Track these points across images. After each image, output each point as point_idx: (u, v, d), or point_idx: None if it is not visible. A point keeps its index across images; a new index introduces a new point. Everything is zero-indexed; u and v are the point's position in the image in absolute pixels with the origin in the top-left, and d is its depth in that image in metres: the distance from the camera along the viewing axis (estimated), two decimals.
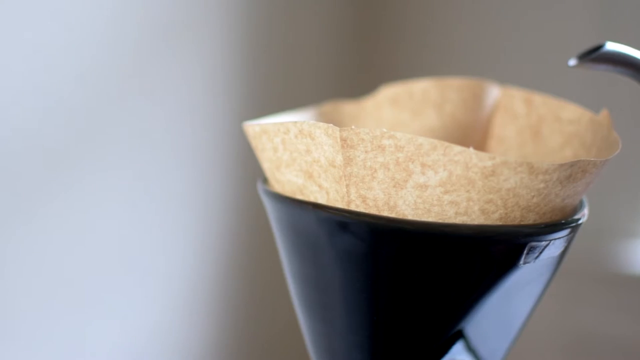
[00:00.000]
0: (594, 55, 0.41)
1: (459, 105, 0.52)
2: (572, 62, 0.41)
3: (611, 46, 0.41)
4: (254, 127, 0.43)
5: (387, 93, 0.53)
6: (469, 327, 0.43)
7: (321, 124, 0.39)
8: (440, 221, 0.39)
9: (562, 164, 0.38)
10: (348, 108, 0.54)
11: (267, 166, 0.44)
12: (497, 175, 0.38)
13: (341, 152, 0.39)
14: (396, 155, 0.38)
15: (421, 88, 0.52)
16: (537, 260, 0.41)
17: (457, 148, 0.37)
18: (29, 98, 0.74)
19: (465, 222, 0.39)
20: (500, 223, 0.39)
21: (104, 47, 0.80)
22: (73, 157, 0.79)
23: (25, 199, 0.75)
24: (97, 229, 0.82)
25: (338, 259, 0.41)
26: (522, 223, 0.40)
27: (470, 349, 0.44)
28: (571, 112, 0.48)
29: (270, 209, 0.44)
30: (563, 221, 0.41)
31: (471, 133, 0.52)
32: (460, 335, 0.43)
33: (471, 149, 0.37)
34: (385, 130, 0.38)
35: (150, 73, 0.85)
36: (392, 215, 0.39)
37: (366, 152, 0.39)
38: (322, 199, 0.41)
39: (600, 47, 0.41)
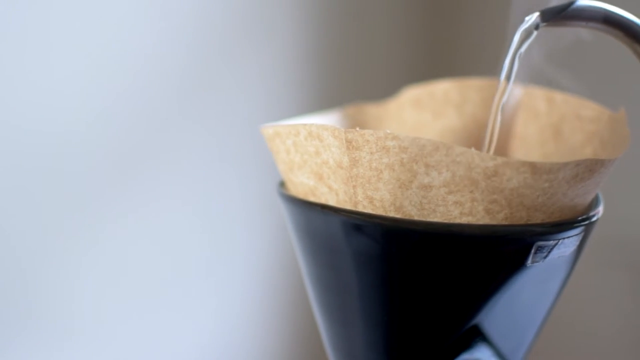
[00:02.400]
0: (567, 12, 0.41)
1: (480, 105, 0.52)
2: (543, 19, 0.41)
3: (583, 2, 0.41)
4: (268, 130, 0.44)
5: (409, 94, 0.54)
6: (484, 325, 0.43)
7: (328, 125, 0.40)
8: (445, 221, 0.39)
9: (566, 163, 0.38)
10: (372, 110, 0.54)
11: (282, 168, 0.45)
12: (500, 175, 0.38)
13: (347, 153, 0.40)
14: (400, 156, 0.39)
15: (442, 89, 0.53)
16: (546, 260, 0.41)
17: (459, 149, 0.38)
18: (99, 97, 0.75)
19: (470, 222, 0.39)
20: (506, 223, 0.39)
21: (174, 47, 0.80)
22: (150, 157, 0.79)
23: (99, 200, 0.76)
24: (171, 231, 0.82)
25: (348, 260, 0.42)
26: (529, 222, 0.40)
27: (491, 347, 0.44)
28: (591, 110, 0.48)
29: (284, 210, 0.45)
30: (572, 220, 0.41)
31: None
32: (476, 333, 0.43)
33: (473, 150, 0.38)
34: (389, 131, 0.39)
35: (223, 73, 0.85)
36: (399, 216, 0.40)
37: (371, 153, 0.39)
38: (332, 201, 0.42)
39: (572, 3, 0.41)
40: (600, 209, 0.44)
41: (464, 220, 0.39)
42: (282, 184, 0.46)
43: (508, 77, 0.45)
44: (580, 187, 0.40)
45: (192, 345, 0.89)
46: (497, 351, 0.45)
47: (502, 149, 0.52)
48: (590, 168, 0.39)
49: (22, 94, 0.70)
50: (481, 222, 0.39)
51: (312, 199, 0.43)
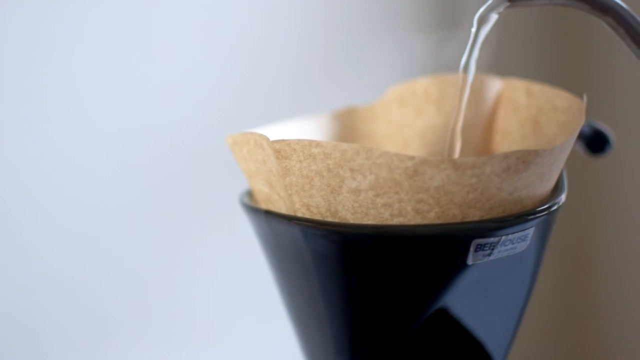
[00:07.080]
0: None
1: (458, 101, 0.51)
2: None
3: None
4: (229, 139, 0.45)
5: (394, 93, 0.53)
6: (448, 324, 0.43)
7: (264, 135, 0.41)
8: (377, 224, 0.39)
9: (492, 156, 0.38)
10: (360, 111, 0.54)
11: (245, 176, 0.46)
12: (421, 174, 0.38)
13: (277, 163, 0.40)
14: (326, 162, 0.39)
15: (423, 86, 0.52)
16: (492, 258, 0.40)
17: (378, 151, 0.38)
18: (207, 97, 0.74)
19: (402, 223, 0.39)
20: (439, 222, 0.39)
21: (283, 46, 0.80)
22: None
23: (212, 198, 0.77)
24: None
25: (295, 264, 0.43)
26: (464, 220, 0.39)
27: (475, 343, 0.44)
28: (564, 100, 0.47)
29: (247, 218, 0.46)
30: (512, 216, 0.40)
31: (473, 128, 0.51)
32: (439, 333, 0.43)
33: (391, 151, 0.38)
34: (312, 139, 0.39)
35: (335, 74, 0.84)
36: (336, 221, 0.40)
37: (300, 161, 0.40)
38: (283, 207, 0.43)
39: None
40: (560, 200, 0.42)
41: (396, 221, 0.39)
42: (248, 192, 0.47)
43: (467, 65, 0.45)
44: (517, 179, 0.39)
45: None
46: (483, 348, 0.44)
47: (484, 146, 0.52)
48: (523, 159, 0.38)
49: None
50: (412, 223, 0.39)
51: (269, 206, 0.44)
